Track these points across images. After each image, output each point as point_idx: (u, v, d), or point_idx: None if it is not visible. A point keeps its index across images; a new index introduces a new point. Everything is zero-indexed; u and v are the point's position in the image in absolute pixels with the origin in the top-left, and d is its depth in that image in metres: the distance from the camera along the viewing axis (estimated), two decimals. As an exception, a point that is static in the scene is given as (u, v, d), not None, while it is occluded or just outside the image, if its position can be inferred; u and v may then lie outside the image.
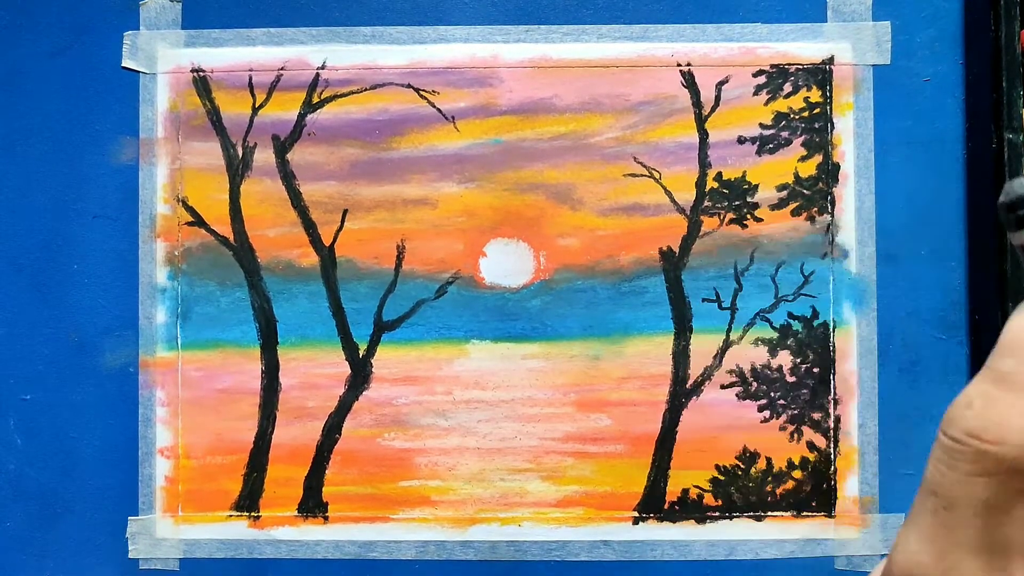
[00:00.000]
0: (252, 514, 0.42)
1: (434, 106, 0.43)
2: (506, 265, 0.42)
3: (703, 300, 0.42)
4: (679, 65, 0.42)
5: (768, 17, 0.42)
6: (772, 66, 0.42)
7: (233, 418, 0.43)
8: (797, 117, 0.42)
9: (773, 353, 0.42)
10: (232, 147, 0.43)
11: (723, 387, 0.42)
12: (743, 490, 0.42)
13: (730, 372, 0.42)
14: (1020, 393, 0.19)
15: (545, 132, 0.42)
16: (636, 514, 0.42)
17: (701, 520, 0.42)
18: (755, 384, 0.42)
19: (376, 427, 0.42)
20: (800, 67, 0.42)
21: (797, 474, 0.42)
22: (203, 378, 0.43)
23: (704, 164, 0.42)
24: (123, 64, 0.43)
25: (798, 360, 0.42)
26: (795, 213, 0.42)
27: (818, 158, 0.42)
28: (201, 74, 0.43)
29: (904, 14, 0.42)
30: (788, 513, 0.42)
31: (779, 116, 0.42)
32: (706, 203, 0.42)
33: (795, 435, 0.42)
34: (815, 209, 0.42)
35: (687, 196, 0.42)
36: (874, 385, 0.42)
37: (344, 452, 0.42)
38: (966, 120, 0.42)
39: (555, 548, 0.42)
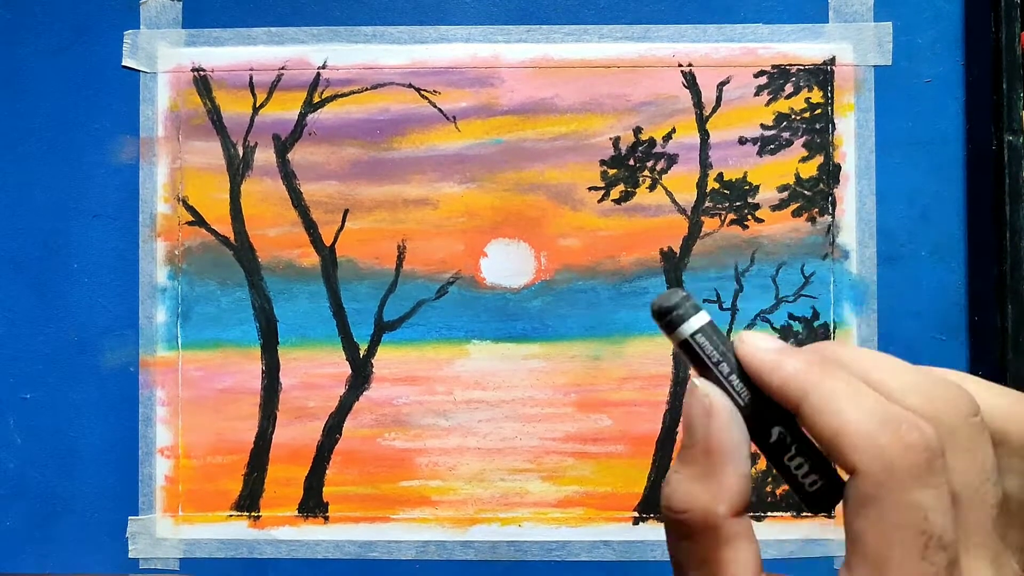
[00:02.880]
0: (252, 514, 0.42)
1: (435, 106, 0.43)
2: (507, 265, 0.42)
3: (704, 301, 0.42)
4: (680, 65, 0.42)
5: (769, 18, 0.42)
6: (773, 67, 0.42)
7: (233, 418, 0.43)
8: (798, 118, 0.42)
9: (773, 354, 0.42)
10: (233, 147, 0.43)
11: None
12: (743, 490, 0.42)
13: (730, 373, 0.42)
14: (692, 466, 0.25)
15: (546, 132, 0.42)
16: (636, 514, 0.42)
17: (701, 520, 0.42)
18: (755, 385, 0.42)
19: (376, 427, 0.42)
20: (801, 68, 0.42)
21: (797, 474, 0.42)
22: (203, 378, 0.43)
23: (705, 165, 0.42)
24: (123, 63, 0.43)
25: (798, 361, 0.42)
26: (796, 214, 0.42)
27: (819, 159, 0.42)
28: (202, 73, 0.43)
29: (905, 15, 0.42)
30: (788, 513, 0.42)
31: (780, 117, 0.42)
32: (707, 204, 0.42)
33: (795, 436, 0.42)
34: (816, 210, 0.42)
35: (688, 197, 0.42)
36: (874, 386, 0.42)
37: (344, 452, 0.42)
38: (966, 121, 0.42)
39: (555, 548, 0.42)
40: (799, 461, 0.24)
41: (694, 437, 0.25)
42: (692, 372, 0.25)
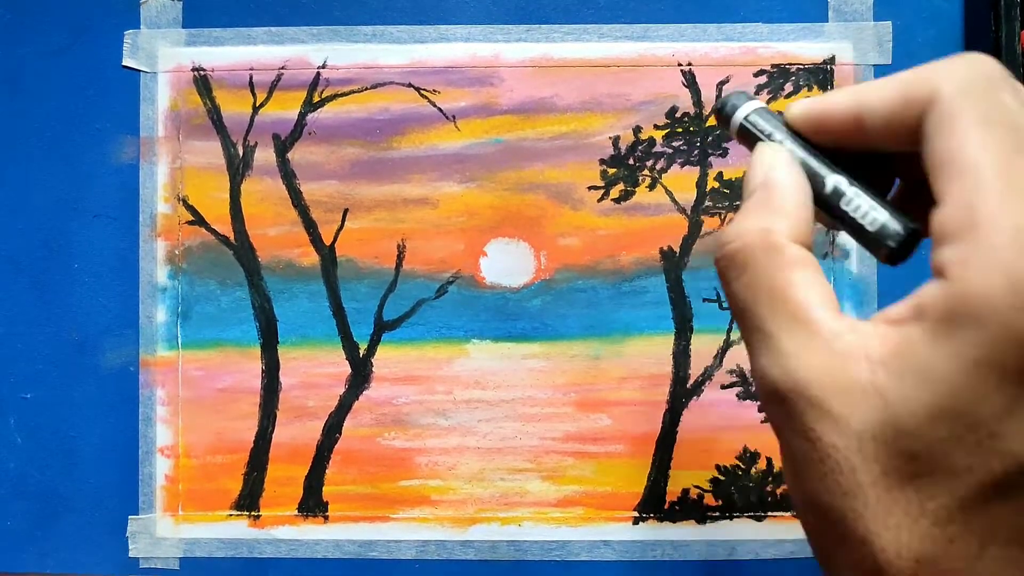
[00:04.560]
0: (252, 513, 0.42)
1: (435, 105, 0.43)
2: (507, 265, 0.42)
3: (704, 300, 0.42)
4: (680, 65, 0.42)
5: (769, 17, 0.42)
6: (773, 66, 0.42)
7: (233, 417, 0.43)
8: (798, 117, 0.42)
9: (773, 353, 0.42)
10: (233, 146, 0.43)
11: (723, 387, 0.42)
12: (743, 490, 0.42)
13: (730, 372, 0.42)
14: (749, 201, 0.25)
15: (546, 132, 0.42)
16: (636, 514, 0.42)
17: (701, 520, 0.42)
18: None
19: (376, 427, 0.42)
20: (801, 67, 0.42)
21: (797, 474, 0.42)
22: (203, 377, 0.43)
23: (705, 164, 0.42)
24: (124, 63, 0.43)
25: (798, 360, 0.42)
26: (796, 213, 0.42)
27: (819, 158, 0.42)
28: (202, 73, 0.43)
29: (905, 14, 0.42)
30: (788, 513, 0.42)
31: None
32: (707, 203, 0.42)
33: (795, 435, 0.42)
34: (816, 209, 0.42)
35: (688, 196, 0.42)
36: (874, 385, 0.42)
37: (344, 451, 0.42)
38: (967, 120, 0.42)
39: (555, 548, 0.42)
40: (856, 204, 0.24)
41: (754, 182, 0.25)
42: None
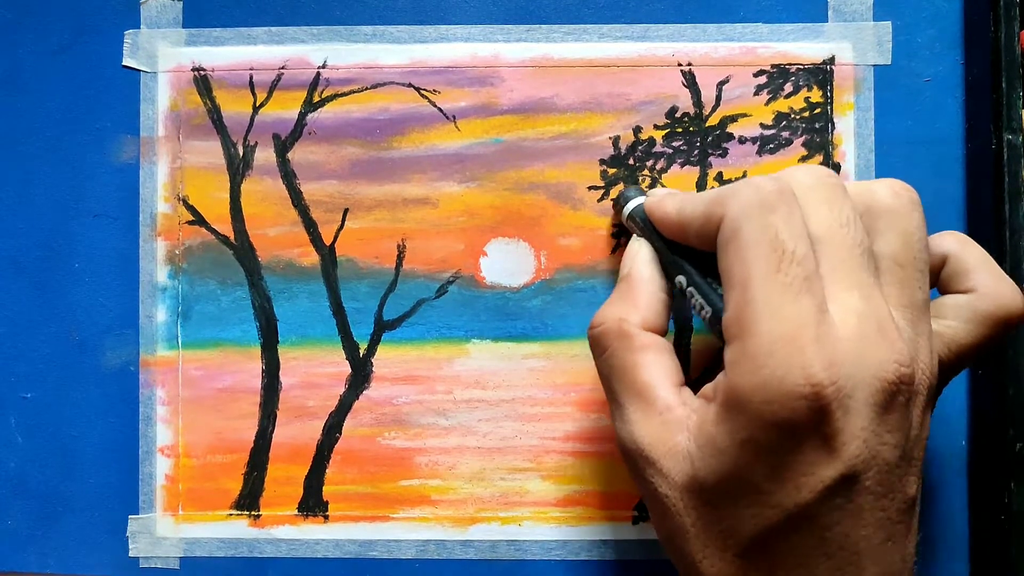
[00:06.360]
0: (252, 513, 0.42)
1: (435, 105, 0.43)
2: (507, 265, 0.42)
3: (703, 300, 0.42)
4: (680, 65, 0.42)
5: (769, 17, 0.42)
6: (773, 66, 0.42)
7: (233, 417, 0.43)
8: (798, 117, 0.42)
9: (773, 353, 0.42)
10: (233, 146, 0.43)
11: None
12: (743, 490, 0.42)
13: (730, 372, 0.42)
14: (615, 293, 0.34)
15: (546, 131, 0.42)
16: (636, 514, 0.42)
17: (701, 519, 0.42)
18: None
19: (376, 426, 0.42)
20: (801, 67, 0.42)
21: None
22: (203, 377, 0.43)
23: (704, 164, 0.42)
24: (124, 63, 0.43)
25: (798, 360, 0.42)
26: (795, 213, 0.42)
27: (819, 158, 0.42)
28: (202, 73, 0.43)
29: (905, 14, 0.42)
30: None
31: (780, 116, 0.42)
32: (707, 203, 0.42)
33: (795, 435, 0.42)
34: (815, 209, 0.42)
35: (688, 196, 0.42)
36: (874, 385, 0.42)
37: (344, 451, 0.42)
38: (966, 120, 0.42)
39: (555, 548, 0.42)
40: (695, 299, 0.30)
41: (622, 272, 0.32)
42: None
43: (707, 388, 0.27)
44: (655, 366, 0.28)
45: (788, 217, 0.26)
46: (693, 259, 0.30)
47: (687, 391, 0.28)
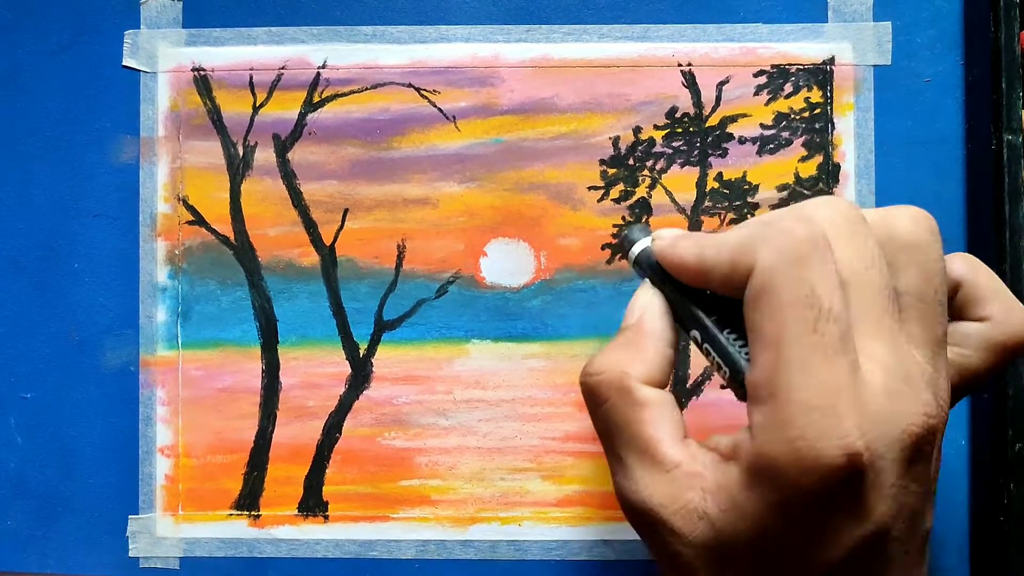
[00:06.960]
0: (252, 513, 0.42)
1: (435, 106, 0.43)
2: (507, 265, 0.42)
3: (703, 300, 0.42)
4: (680, 65, 0.42)
5: (769, 17, 0.42)
6: (773, 66, 0.42)
7: (233, 417, 0.43)
8: (798, 117, 0.42)
9: (773, 353, 0.42)
10: (233, 146, 0.43)
11: (723, 387, 0.42)
12: (743, 490, 0.42)
13: (730, 372, 0.42)
14: (618, 339, 0.30)
15: (546, 132, 0.42)
16: (636, 513, 0.42)
17: (701, 520, 0.42)
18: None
19: (376, 426, 0.42)
20: (801, 67, 0.42)
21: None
22: (203, 377, 0.43)
23: (704, 164, 0.42)
24: (124, 63, 0.43)
25: (798, 360, 0.42)
26: (795, 213, 0.42)
27: (819, 158, 0.42)
28: (202, 73, 0.43)
29: (905, 15, 0.42)
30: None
31: (780, 116, 0.42)
32: (707, 203, 0.42)
33: (795, 435, 0.42)
34: (815, 209, 0.42)
35: (687, 196, 0.42)
36: (874, 385, 0.42)
37: (344, 451, 0.42)
38: (966, 121, 0.42)
39: (555, 548, 0.42)
40: (711, 355, 0.28)
41: (628, 319, 0.29)
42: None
43: (721, 444, 0.26)
44: (659, 421, 0.27)
45: (823, 270, 0.25)
46: (706, 304, 0.28)
47: (692, 443, 0.27)
